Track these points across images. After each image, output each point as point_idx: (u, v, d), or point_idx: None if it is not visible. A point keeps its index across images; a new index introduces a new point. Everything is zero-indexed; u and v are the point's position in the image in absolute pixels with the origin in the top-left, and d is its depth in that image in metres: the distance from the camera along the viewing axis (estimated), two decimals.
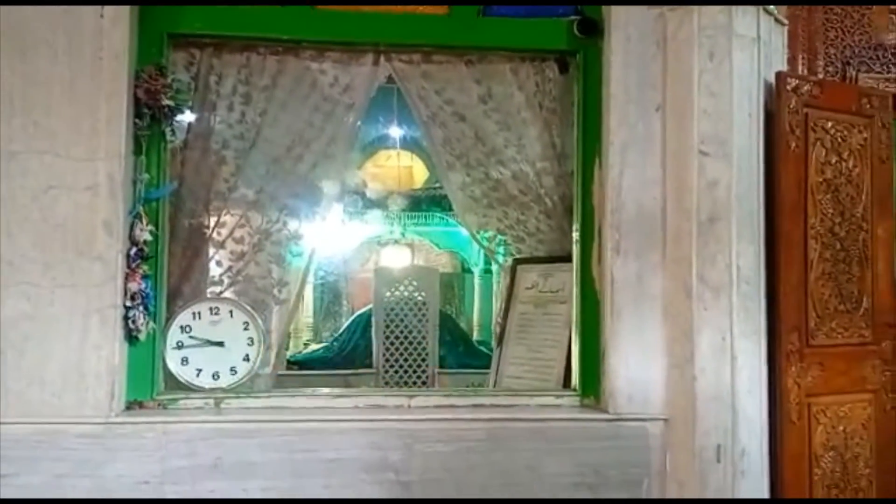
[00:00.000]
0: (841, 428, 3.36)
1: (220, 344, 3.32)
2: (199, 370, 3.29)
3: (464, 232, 11.31)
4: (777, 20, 3.43)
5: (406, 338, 7.81)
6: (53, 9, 3.04)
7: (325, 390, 3.46)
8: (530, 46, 3.58)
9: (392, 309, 7.89)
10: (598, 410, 3.32)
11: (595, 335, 3.37)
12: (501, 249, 4.11)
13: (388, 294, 7.92)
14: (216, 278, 3.49)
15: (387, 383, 7.63)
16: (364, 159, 10.14)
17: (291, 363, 8.21)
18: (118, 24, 3.08)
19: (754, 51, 3.26)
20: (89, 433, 2.99)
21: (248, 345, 3.35)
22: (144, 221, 3.14)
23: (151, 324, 3.16)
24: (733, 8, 3.21)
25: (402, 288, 7.96)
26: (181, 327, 3.30)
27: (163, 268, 3.27)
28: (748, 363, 3.16)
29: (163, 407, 3.20)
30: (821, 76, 3.73)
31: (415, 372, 7.76)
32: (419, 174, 10.51)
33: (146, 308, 3.12)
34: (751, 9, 3.27)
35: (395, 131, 9.35)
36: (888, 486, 3.49)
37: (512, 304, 3.98)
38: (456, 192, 3.90)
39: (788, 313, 3.22)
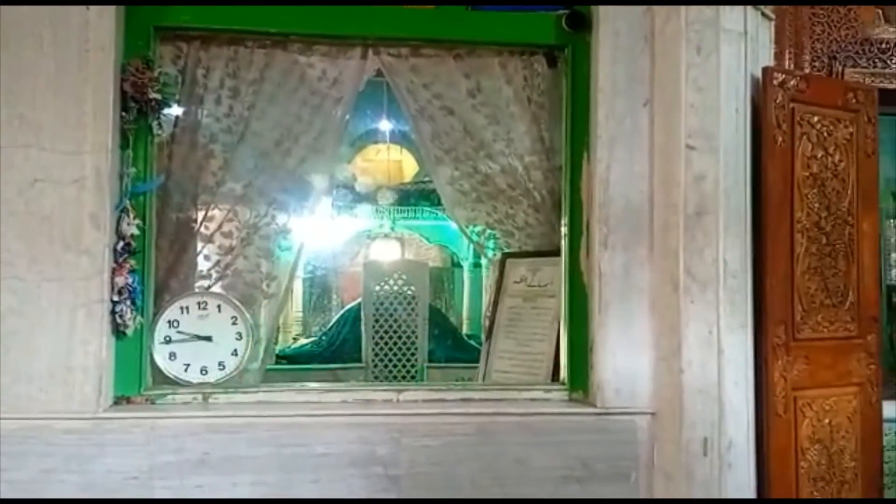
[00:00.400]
0: (826, 421, 3.38)
1: (209, 339, 3.31)
2: (187, 365, 3.28)
3: (453, 226, 11.32)
4: (764, 15, 3.44)
5: (395, 332, 7.81)
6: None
7: (314, 385, 3.45)
8: (519, 40, 3.58)
9: (381, 303, 7.88)
10: (586, 404, 3.33)
11: (583, 329, 3.38)
12: (490, 244, 4.10)
13: (377, 288, 7.91)
14: (204, 272, 3.48)
15: (376, 377, 7.63)
16: (353, 153, 10.13)
17: (280, 357, 8.20)
18: (104, 16, 3.06)
19: (741, 45, 3.27)
20: (77, 428, 2.98)
21: (237, 339, 3.34)
22: (131, 215, 3.12)
23: (139, 318, 3.14)
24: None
25: (391, 282, 7.95)
26: (169, 322, 3.29)
27: (150, 262, 3.25)
28: (735, 356, 3.17)
29: (150, 402, 3.19)
30: (807, 71, 3.74)
31: (404, 366, 7.77)
32: (409, 168, 10.50)
33: (133, 302, 3.10)
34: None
35: (385, 125, 9.33)
36: (873, 479, 3.51)
37: (501, 299, 3.98)
38: (445, 187, 3.90)
39: (775, 307, 3.24)
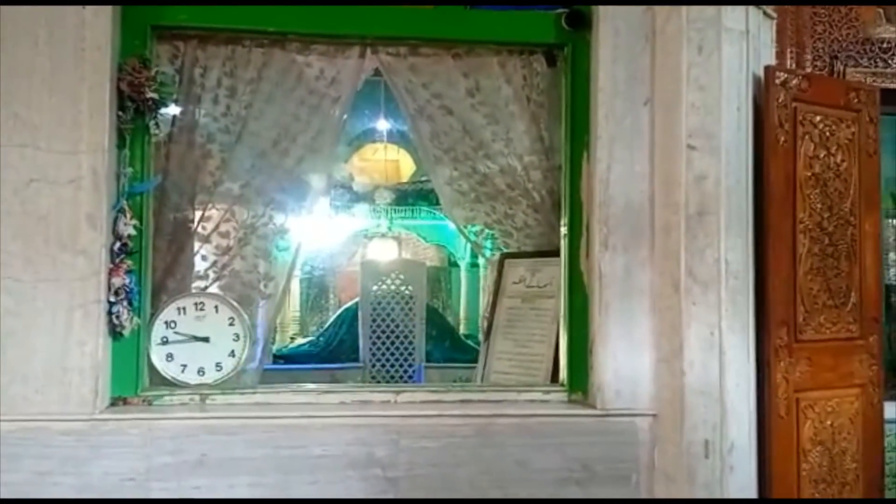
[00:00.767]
0: (829, 423, 3.36)
1: (206, 340, 3.29)
2: (184, 366, 3.26)
3: (451, 226, 11.33)
4: (766, 14, 3.42)
5: (393, 332, 7.80)
6: None
7: (311, 386, 3.42)
8: (518, 39, 3.56)
9: (379, 303, 7.87)
10: (586, 406, 3.31)
11: (583, 330, 3.36)
12: (489, 244, 4.09)
13: (374, 288, 7.89)
14: (201, 273, 3.45)
15: (373, 377, 7.62)
16: (350, 153, 10.10)
17: (277, 357, 8.19)
18: (100, 14, 3.03)
19: (743, 45, 3.24)
20: (73, 430, 2.96)
21: (234, 340, 3.32)
22: (128, 216, 3.10)
23: (136, 319, 3.12)
24: None
25: (388, 282, 7.94)
26: (166, 323, 3.26)
27: (147, 262, 3.23)
28: (737, 358, 3.15)
29: (147, 403, 3.17)
30: (809, 70, 3.72)
31: (401, 366, 7.75)
32: (406, 168, 10.48)
33: (130, 303, 3.08)
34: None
35: (382, 125, 9.31)
36: (874, 481, 3.49)
37: (499, 299, 3.96)
38: (443, 187, 3.87)
39: (777, 308, 3.21)
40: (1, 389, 2.92)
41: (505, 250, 3.98)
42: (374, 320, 7.82)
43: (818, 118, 3.39)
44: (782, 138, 3.27)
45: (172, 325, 3.27)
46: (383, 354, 7.76)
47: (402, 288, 7.92)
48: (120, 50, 3.13)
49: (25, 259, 2.97)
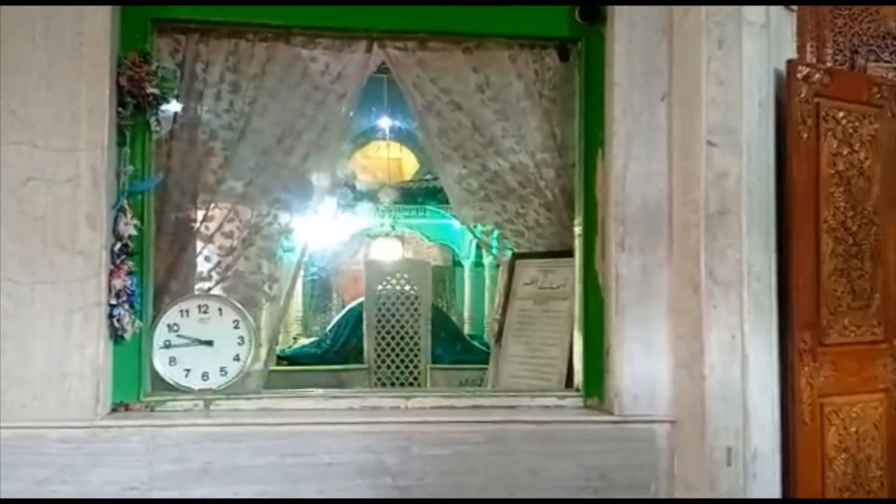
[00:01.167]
0: (853, 429, 3.25)
1: (210, 343, 3.21)
2: (188, 370, 3.17)
3: (455, 224, 11.28)
4: (787, 6, 3.32)
5: (398, 333, 7.72)
6: None
7: (318, 391, 3.32)
8: (530, 33, 3.46)
9: (384, 303, 7.79)
10: (602, 412, 3.21)
11: (599, 333, 3.26)
12: (496, 243, 3.99)
13: (379, 288, 7.81)
14: (204, 274, 3.37)
15: (379, 379, 7.54)
16: (353, 150, 10.03)
17: (281, 358, 8.07)
18: (99, 8, 2.93)
19: (764, 38, 3.13)
20: (72, 437, 2.87)
21: (239, 344, 3.23)
22: (129, 215, 3.01)
23: (137, 322, 3.03)
24: None
25: (393, 282, 7.85)
26: (168, 326, 3.18)
27: (149, 264, 3.14)
28: (760, 362, 3.04)
29: (150, 409, 3.08)
30: (829, 65, 3.60)
31: (407, 367, 7.66)
32: (408, 166, 10.42)
33: (132, 306, 2.99)
34: None
35: (385, 122, 9.24)
36: None
37: (510, 301, 3.86)
38: (452, 185, 3.78)
39: (801, 311, 3.10)
40: None
41: (516, 250, 3.88)
42: (378, 321, 7.74)
43: (840, 114, 3.28)
44: (805, 135, 3.16)
45: (175, 328, 3.18)
46: (388, 356, 7.68)
47: (407, 288, 7.83)
48: (119, 44, 3.04)
49: (23, 260, 2.88)
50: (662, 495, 3.10)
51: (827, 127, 3.23)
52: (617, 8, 3.22)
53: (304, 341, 9.89)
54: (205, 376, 3.18)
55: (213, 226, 3.35)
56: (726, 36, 3.08)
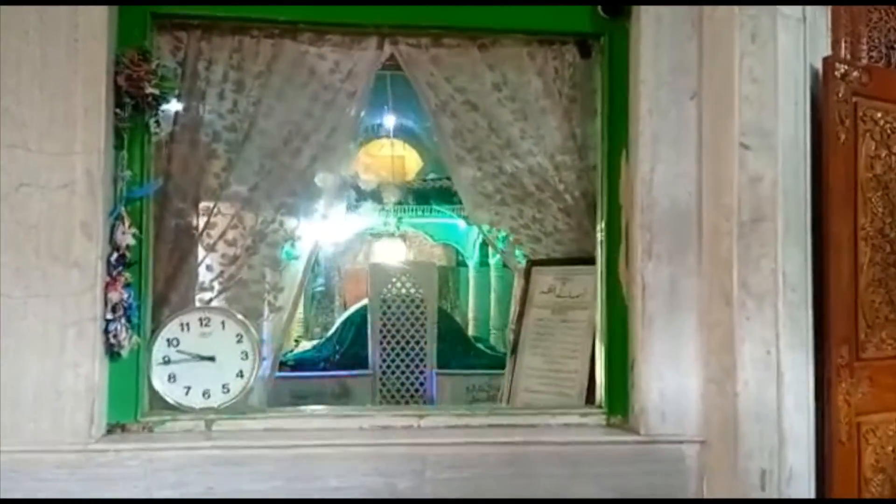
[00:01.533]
0: (890, 448, 3.09)
1: (211, 359, 3.04)
2: (188, 388, 3.01)
3: (460, 224, 11.13)
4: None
5: (403, 338, 7.58)
6: None
7: (325, 409, 3.17)
8: (549, 28, 3.30)
9: (388, 307, 7.64)
10: (627, 431, 3.04)
11: (623, 346, 3.10)
12: (505, 244, 3.81)
13: (384, 291, 7.66)
14: (206, 284, 3.21)
15: (384, 385, 7.40)
16: (356, 149, 9.86)
17: (283, 364, 7.91)
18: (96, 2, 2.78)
19: (800, 33, 2.97)
20: (66, 462, 2.70)
21: (242, 359, 3.07)
22: (127, 223, 2.85)
23: (135, 337, 2.88)
24: None
25: (398, 285, 7.70)
26: (168, 341, 3.02)
27: (147, 274, 2.98)
28: (796, 378, 2.87)
29: (148, 430, 2.92)
30: (864, 62, 3.43)
31: (412, 373, 7.51)
32: (412, 165, 10.25)
33: (129, 320, 2.84)
34: None
35: (389, 120, 9.08)
36: None
37: (526, 310, 3.69)
38: (466, 188, 3.60)
39: (838, 324, 2.93)
40: None
41: (532, 257, 3.71)
42: (384, 325, 7.61)
43: (878, 114, 3.11)
44: (843, 136, 2.99)
45: (175, 342, 3.02)
46: (393, 361, 7.53)
47: (413, 291, 7.68)
48: (117, 40, 2.89)
49: (14, 272, 2.72)
50: None
51: (865, 128, 3.06)
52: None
53: (305, 345, 9.74)
54: (206, 394, 3.02)
55: (215, 233, 3.20)
56: (760, 30, 2.91)
